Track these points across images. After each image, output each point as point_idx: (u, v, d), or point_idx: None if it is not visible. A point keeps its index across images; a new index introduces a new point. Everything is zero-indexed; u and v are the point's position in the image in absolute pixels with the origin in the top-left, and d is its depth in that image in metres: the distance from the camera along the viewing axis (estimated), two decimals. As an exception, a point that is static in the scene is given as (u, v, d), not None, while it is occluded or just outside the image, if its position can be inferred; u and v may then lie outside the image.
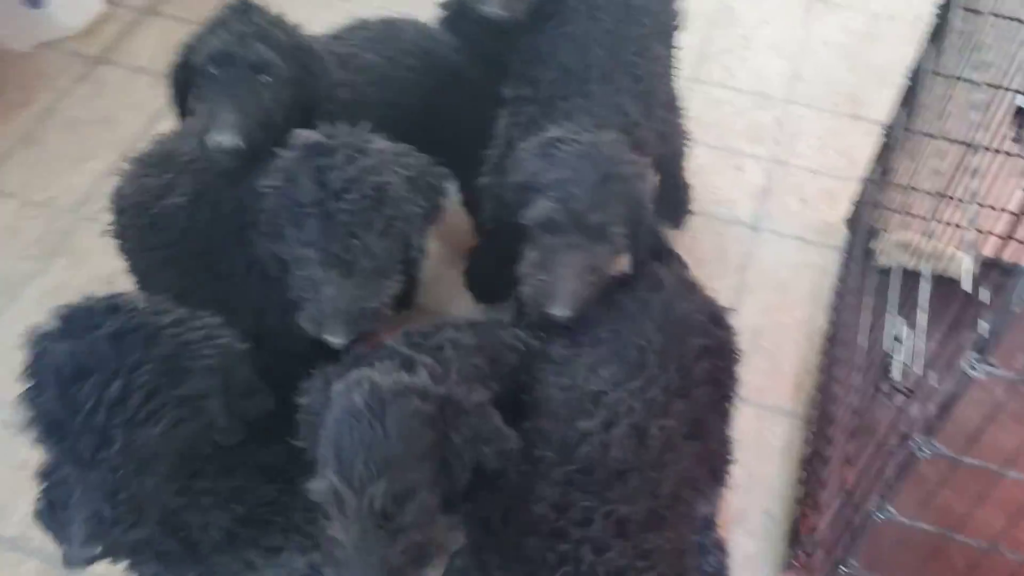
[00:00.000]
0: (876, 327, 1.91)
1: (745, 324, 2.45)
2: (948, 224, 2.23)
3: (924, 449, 1.22)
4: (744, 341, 2.41)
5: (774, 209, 2.74)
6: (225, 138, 1.57)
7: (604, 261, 1.61)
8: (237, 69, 1.62)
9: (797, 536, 1.93)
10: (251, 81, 1.63)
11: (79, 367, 1.16)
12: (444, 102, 2.13)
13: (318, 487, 1.21)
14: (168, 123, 2.76)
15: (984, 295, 1.10)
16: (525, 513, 1.34)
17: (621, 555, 1.31)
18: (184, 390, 1.24)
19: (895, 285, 1.91)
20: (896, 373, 1.43)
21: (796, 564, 1.84)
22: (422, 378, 1.27)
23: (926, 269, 1.73)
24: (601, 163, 1.60)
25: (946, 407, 1.18)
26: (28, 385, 1.22)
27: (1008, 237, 1.77)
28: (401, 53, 2.09)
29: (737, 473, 2.18)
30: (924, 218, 2.24)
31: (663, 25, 2.14)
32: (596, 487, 1.35)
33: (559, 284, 1.55)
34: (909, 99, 2.24)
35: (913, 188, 2.13)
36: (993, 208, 2.06)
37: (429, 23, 2.27)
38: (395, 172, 1.51)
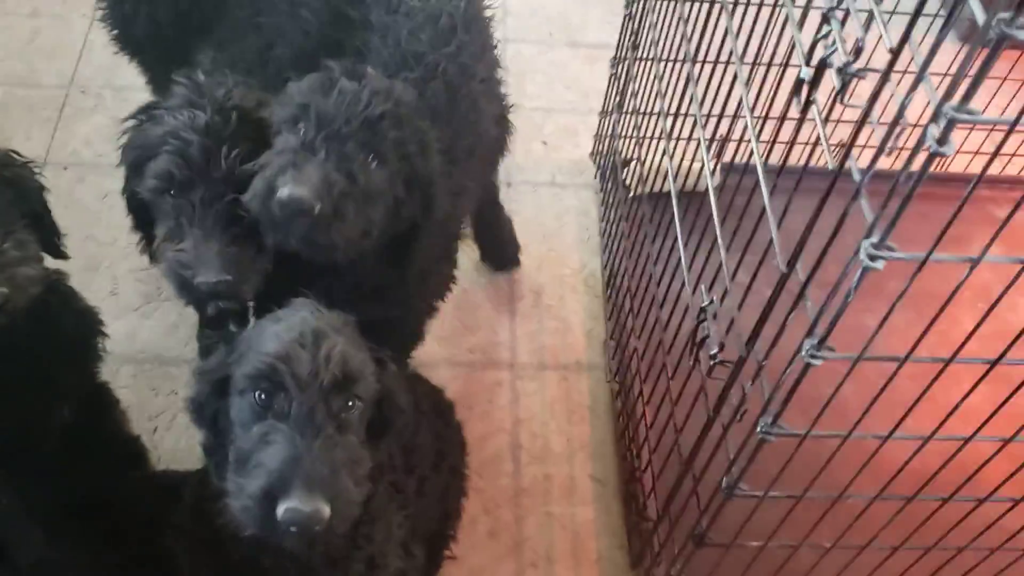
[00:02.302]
0: (649, 261, 1.91)
1: (526, 287, 2.43)
2: (682, 140, 2.30)
3: (771, 434, 1.21)
4: (529, 304, 2.41)
5: (520, 158, 2.69)
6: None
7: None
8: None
9: (636, 503, 1.93)
10: None
11: None
12: None
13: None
14: None
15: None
16: None
17: None
18: None
19: (653, 213, 1.93)
20: (713, 346, 1.41)
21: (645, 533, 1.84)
22: None
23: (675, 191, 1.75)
24: None
25: (791, 392, 1.20)
26: None
27: (740, 139, 1.83)
28: None
29: (556, 441, 2.17)
30: (662, 139, 2.29)
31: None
32: None
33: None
34: (631, 26, 2.25)
35: (648, 112, 2.15)
36: (722, 116, 2.11)
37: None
38: None
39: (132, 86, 2.15)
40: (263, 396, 1.16)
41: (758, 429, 1.28)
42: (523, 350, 2.32)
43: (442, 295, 1.90)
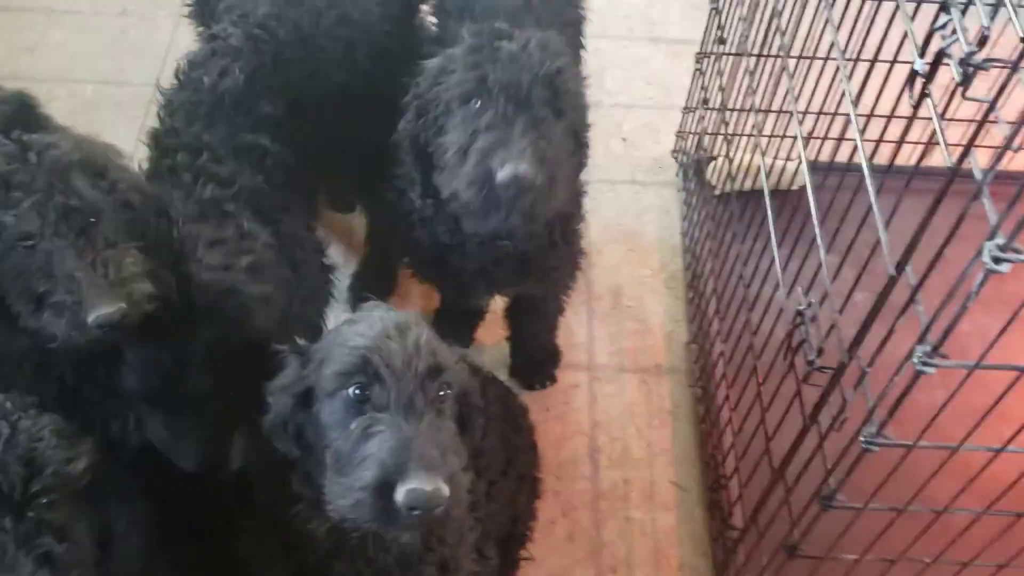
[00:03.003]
0: (738, 261, 1.87)
1: (604, 287, 2.40)
2: (775, 137, 2.25)
3: (874, 445, 1.17)
4: (607, 305, 2.38)
5: (599, 155, 2.64)
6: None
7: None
8: None
9: (721, 511, 1.89)
10: None
11: None
12: None
13: None
14: None
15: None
16: None
17: None
18: None
19: (743, 212, 1.89)
20: (810, 352, 1.37)
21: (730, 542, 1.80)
22: None
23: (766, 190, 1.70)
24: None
25: (898, 401, 1.16)
26: None
27: (841, 138, 1.77)
28: None
29: (635, 445, 2.14)
30: (752, 135, 2.24)
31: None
32: None
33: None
34: (718, 20, 2.20)
35: (737, 109, 2.10)
36: (821, 113, 2.06)
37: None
38: None
39: (216, 84, 2.19)
40: (358, 391, 1.16)
41: (861, 439, 1.23)
42: (601, 352, 2.29)
43: (577, 266, 1.93)
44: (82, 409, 1.45)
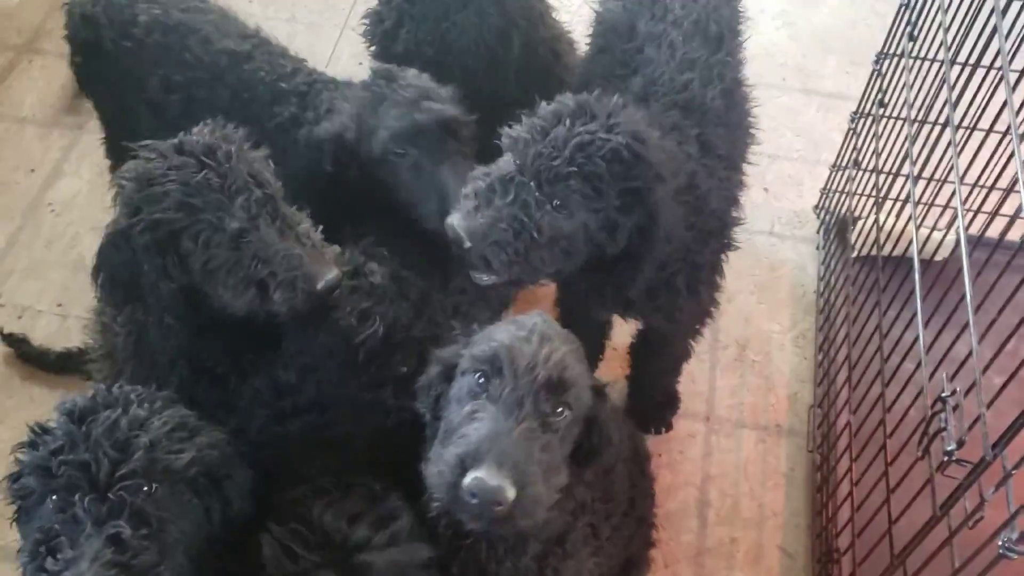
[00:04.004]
0: (877, 332, 1.81)
1: (730, 337, 2.37)
2: (927, 204, 2.17)
3: (1014, 552, 1.12)
4: (732, 356, 2.34)
5: (737, 203, 2.63)
6: None
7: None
8: None
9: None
10: None
11: None
12: None
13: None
14: (67, 182, 2.63)
15: None
16: None
17: None
18: None
19: (887, 280, 1.84)
20: (950, 441, 1.32)
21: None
22: None
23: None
24: None
25: None
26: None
27: (995, 213, 1.71)
28: None
29: (746, 504, 2.10)
30: (903, 201, 2.18)
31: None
32: None
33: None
34: (879, 83, 2.15)
35: (892, 173, 2.04)
36: (981, 186, 1.99)
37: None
38: None
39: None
40: (481, 379, 1.24)
41: (999, 542, 1.18)
42: (721, 404, 2.26)
43: (710, 311, 1.92)
44: (236, 408, 1.54)
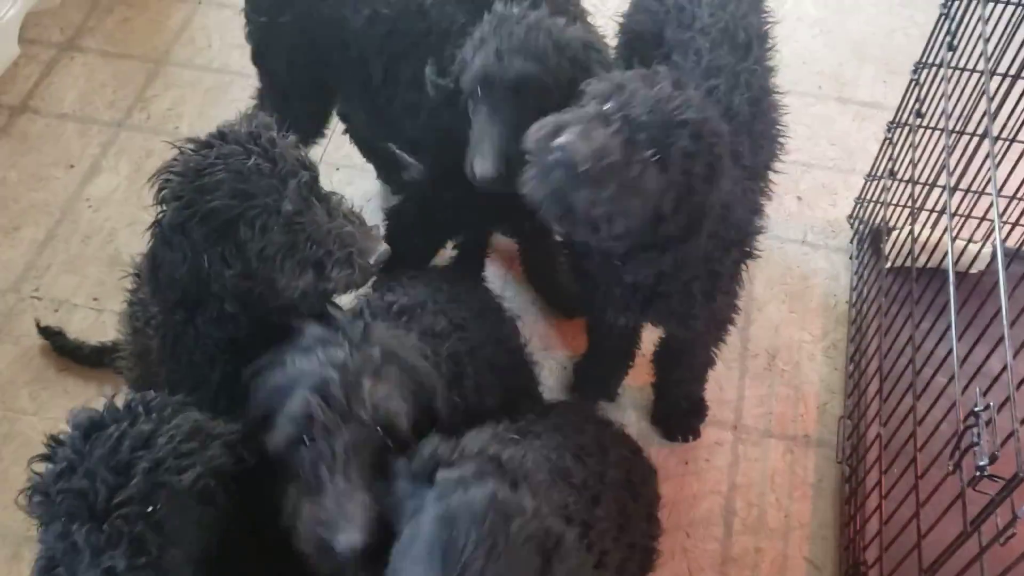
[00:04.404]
0: (910, 344, 1.79)
1: (760, 346, 2.36)
2: (964, 216, 2.16)
3: None
4: (761, 365, 2.33)
5: (771, 211, 2.60)
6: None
7: None
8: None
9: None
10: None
11: None
12: None
13: None
14: (105, 178, 2.67)
15: None
16: None
17: None
18: None
19: (921, 292, 1.82)
20: (982, 456, 1.31)
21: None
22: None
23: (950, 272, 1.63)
24: None
25: None
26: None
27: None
28: None
29: (772, 514, 2.09)
30: (938, 212, 2.16)
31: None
32: None
33: None
34: (916, 92, 2.14)
35: (929, 184, 2.03)
36: (1019, 199, 1.97)
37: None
38: None
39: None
40: None
41: (1030, 560, 1.16)
42: (749, 413, 2.25)
43: (729, 320, 1.91)
44: None
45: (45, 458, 1.24)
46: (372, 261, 1.46)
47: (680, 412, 2.20)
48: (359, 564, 1.26)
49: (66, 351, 2.25)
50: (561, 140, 1.40)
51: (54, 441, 1.25)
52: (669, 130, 1.43)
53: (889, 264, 2.20)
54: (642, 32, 1.93)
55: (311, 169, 1.46)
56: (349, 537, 1.22)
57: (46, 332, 2.25)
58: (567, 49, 1.68)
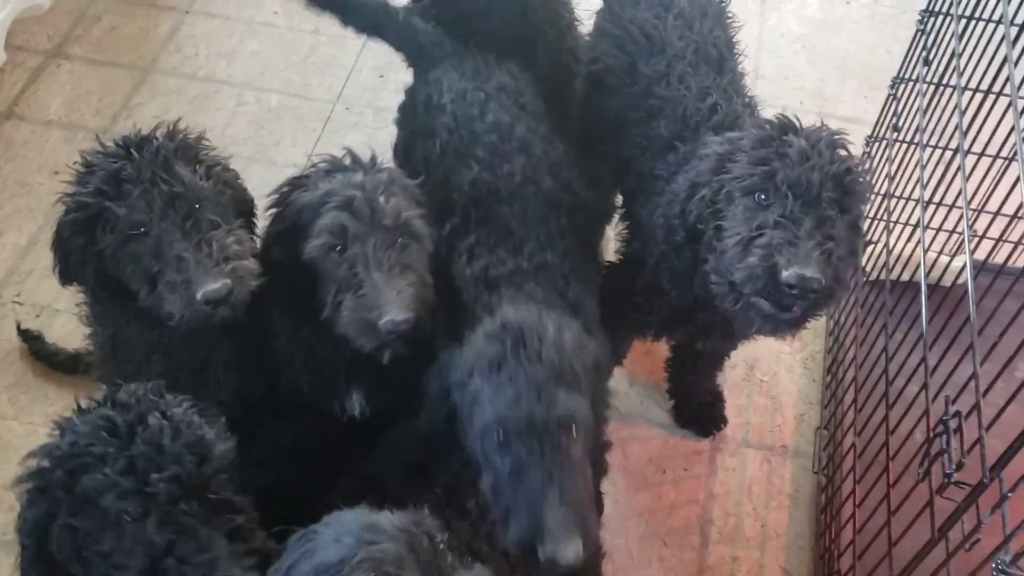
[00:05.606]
0: (884, 355, 1.82)
1: (740, 356, 2.38)
2: (936, 230, 2.19)
3: (1007, 574, 1.13)
4: (739, 375, 2.35)
5: (751, 224, 2.64)
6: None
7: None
8: None
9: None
10: None
11: None
12: None
13: None
14: None
15: None
16: None
17: None
18: None
19: (895, 304, 1.85)
20: (949, 464, 1.33)
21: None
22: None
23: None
24: None
25: None
26: None
27: (999, 239, 1.72)
28: None
29: (749, 524, 2.11)
30: (913, 226, 2.19)
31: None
32: None
33: None
34: (893, 107, 2.17)
35: (903, 197, 2.06)
36: (988, 212, 1.99)
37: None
38: None
39: (391, 109, 2.31)
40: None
41: (993, 565, 1.18)
42: (728, 423, 2.27)
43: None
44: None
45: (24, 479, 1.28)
46: (198, 295, 1.41)
47: (702, 405, 2.24)
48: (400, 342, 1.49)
49: (42, 356, 2.26)
50: (792, 274, 1.39)
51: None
52: (842, 186, 1.46)
53: (866, 277, 2.22)
54: (614, 67, 1.93)
55: (187, 187, 1.46)
56: (395, 315, 1.43)
57: (25, 335, 2.26)
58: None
